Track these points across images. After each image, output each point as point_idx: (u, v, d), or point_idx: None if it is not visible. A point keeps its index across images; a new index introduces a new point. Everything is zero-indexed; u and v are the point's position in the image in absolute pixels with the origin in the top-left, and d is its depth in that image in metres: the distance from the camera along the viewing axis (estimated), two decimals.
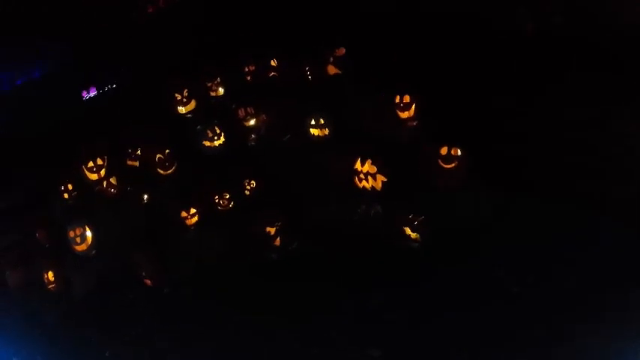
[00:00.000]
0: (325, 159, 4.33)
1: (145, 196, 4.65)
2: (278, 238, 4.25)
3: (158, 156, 4.66)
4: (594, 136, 3.80)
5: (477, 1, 4.23)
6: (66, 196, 4.95)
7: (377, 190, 4.14)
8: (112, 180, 4.70)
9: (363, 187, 4.18)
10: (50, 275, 4.85)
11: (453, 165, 4.04)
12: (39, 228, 5.02)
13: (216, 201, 4.46)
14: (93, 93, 5.30)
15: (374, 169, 4.12)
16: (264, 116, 4.59)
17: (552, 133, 3.83)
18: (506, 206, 3.87)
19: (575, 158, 3.77)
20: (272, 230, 4.23)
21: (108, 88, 5.19)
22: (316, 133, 4.38)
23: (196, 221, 4.45)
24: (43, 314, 4.82)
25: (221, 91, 5.01)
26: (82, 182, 4.89)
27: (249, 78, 4.96)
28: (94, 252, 4.74)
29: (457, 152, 4.02)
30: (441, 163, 4.06)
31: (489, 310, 3.60)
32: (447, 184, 4.05)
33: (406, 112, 4.30)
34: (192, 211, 4.43)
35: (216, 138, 4.67)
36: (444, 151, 4.05)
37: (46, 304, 4.83)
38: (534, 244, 3.69)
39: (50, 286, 4.85)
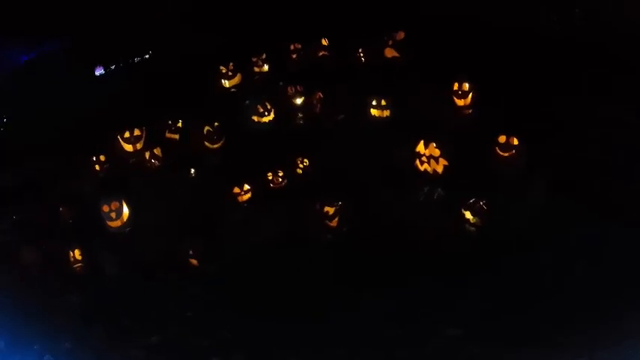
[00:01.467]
0: (385, 140, 4.34)
1: (192, 170, 4.41)
2: (336, 219, 4.20)
3: (206, 128, 4.46)
4: None
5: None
6: (97, 167, 4.62)
7: (437, 174, 4.21)
8: (157, 151, 4.43)
9: (424, 169, 4.23)
10: (77, 254, 4.48)
11: (510, 153, 4.19)
12: (62, 202, 4.64)
13: (269, 178, 4.34)
14: (100, 72, 4.99)
15: (437, 153, 4.17)
16: (320, 94, 4.51)
17: (612, 127, 4.06)
18: (561, 194, 4.06)
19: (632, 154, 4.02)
20: (331, 210, 4.17)
21: (140, 58, 4.89)
22: (377, 115, 4.38)
23: (249, 198, 4.29)
24: (69, 296, 4.43)
25: (266, 67, 4.91)
26: (115, 154, 4.60)
27: (294, 56, 4.89)
28: (128, 229, 4.44)
29: (514, 141, 4.17)
30: (499, 151, 4.21)
31: (549, 292, 3.75)
32: (504, 170, 4.20)
33: (463, 100, 4.41)
34: (246, 187, 4.27)
35: (266, 114, 4.54)
36: (502, 139, 4.17)
37: (71, 285, 4.45)
38: (590, 232, 3.87)
39: (76, 266, 4.49)
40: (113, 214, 4.38)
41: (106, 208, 4.39)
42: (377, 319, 3.81)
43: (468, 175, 4.19)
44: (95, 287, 4.41)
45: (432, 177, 4.21)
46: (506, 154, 4.18)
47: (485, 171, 4.20)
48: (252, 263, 4.20)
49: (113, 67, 4.80)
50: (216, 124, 4.47)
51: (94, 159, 4.62)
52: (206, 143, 4.47)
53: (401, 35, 4.52)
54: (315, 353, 3.76)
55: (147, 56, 4.85)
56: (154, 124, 4.65)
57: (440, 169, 4.20)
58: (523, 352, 3.49)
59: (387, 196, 4.24)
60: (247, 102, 4.59)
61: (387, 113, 4.36)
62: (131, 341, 3.99)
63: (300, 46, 4.86)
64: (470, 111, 4.38)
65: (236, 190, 4.27)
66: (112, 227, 4.44)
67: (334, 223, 4.22)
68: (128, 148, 4.60)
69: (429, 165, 4.21)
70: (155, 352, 3.90)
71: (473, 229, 4.13)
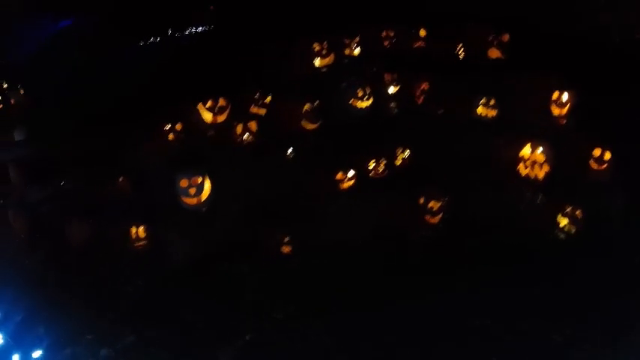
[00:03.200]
0: (487, 140, 4.27)
1: (290, 150, 4.03)
2: (439, 216, 4.05)
3: (306, 106, 4.11)
4: None
5: None
6: (171, 137, 4.07)
7: (538, 180, 4.22)
8: (251, 125, 4.00)
9: (527, 174, 4.22)
10: (141, 231, 3.91)
11: (604, 166, 4.30)
12: (121, 174, 4.03)
13: (371, 167, 4.09)
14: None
15: (542, 158, 4.18)
16: (426, 85, 4.34)
17: None
18: None
19: None
20: (436, 205, 4.01)
21: (228, 27, 4.42)
22: (482, 113, 4.31)
23: (351, 186, 4.01)
24: (130, 281, 3.83)
25: (357, 51, 4.65)
26: (195, 125, 4.10)
27: (386, 43, 4.70)
28: (204, 208, 3.96)
29: (608, 155, 4.28)
30: (593, 164, 4.30)
31: None
32: (596, 182, 4.30)
33: (559, 110, 4.47)
34: (351, 173, 3.98)
35: (365, 98, 4.30)
36: (597, 152, 4.29)
37: (132, 268, 3.87)
38: None
39: (138, 244, 3.92)
40: (192, 190, 3.87)
41: (184, 183, 3.87)
42: (474, 316, 3.70)
43: (564, 183, 4.26)
44: (164, 272, 3.86)
45: (533, 182, 4.22)
46: (599, 167, 4.32)
47: (579, 180, 4.30)
48: (346, 255, 3.91)
49: (198, 30, 4.26)
50: (316, 102, 4.14)
51: (169, 127, 4.08)
52: (304, 123, 4.12)
53: (506, 37, 4.50)
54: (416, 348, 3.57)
55: (236, 25, 4.36)
56: (239, 97, 4.20)
57: (541, 175, 4.21)
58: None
59: (487, 197, 4.17)
60: (345, 84, 4.30)
61: (492, 113, 4.31)
62: (214, 341, 3.50)
63: (392, 33, 4.67)
64: (565, 121, 4.46)
65: (340, 175, 3.97)
66: (187, 204, 3.93)
67: (436, 219, 4.07)
68: (208, 118, 4.12)
69: (532, 170, 4.21)
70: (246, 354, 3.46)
71: (563, 236, 4.19)
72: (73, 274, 3.96)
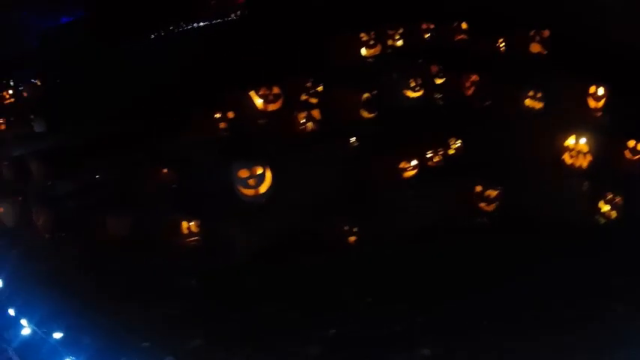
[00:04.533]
0: (533, 130, 4.36)
1: (353, 139, 3.94)
2: (494, 204, 4.09)
3: (365, 96, 4.05)
4: None
5: None
6: (222, 125, 3.88)
7: (582, 168, 4.36)
8: (315, 113, 3.88)
9: (572, 163, 4.35)
10: (193, 226, 3.69)
11: (638, 157, 4.51)
12: (164, 163, 3.81)
13: (429, 156, 4.08)
14: None
15: (586, 148, 4.33)
16: (475, 76, 4.39)
17: None
18: None
19: None
20: (493, 193, 4.05)
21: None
22: (530, 105, 4.41)
23: (413, 175, 3.97)
24: (186, 278, 3.58)
25: (400, 42, 4.66)
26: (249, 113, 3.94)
27: (426, 36, 4.74)
28: (263, 200, 3.79)
29: None
30: (628, 154, 4.51)
31: None
32: (631, 171, 4.51)
33: (595, 103, 4.66)
34: (414, 162, 3.94)
35: (417, 89, 4.29)
36: (631, 143, 4.49)
37: (187, 264, 3.63)
38: None
39: (190, 240, 3.69)
40: (252, 181, 3.70)
41: (244, 173, 3.69)
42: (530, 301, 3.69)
43: (603, 172, 4.43)
44: (223, 268, 3.64)
45: (577, 170, 4.36)
46: (634, 157, 4.53)
47: (616, 169, 4.48)
48: (410, 243, 3.85)
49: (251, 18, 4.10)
50: (374, 91, 4.09)
51: (220, 115, 3.89)
52: (362, 112, 4.05)
53: (546, 33, 4.65)
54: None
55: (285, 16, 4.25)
56: (292, 86, 4.09)
57: (585, 164, 4.36)
58: None
59: (536, 184, 4.26)
60: (396, 75, 4.28)
61: (539, 105, 4.42)
62: (299, 337, 3.26)
63: (432, 26, 4.72)
64: (600, 114, 4.65)
65: (404, 164, 3.93)
66: (245, 196, 3.75)
67: (491, 207, 4.11)
68: (261, 105, 3.97)
69: (577, 159, 4.36)
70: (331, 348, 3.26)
71: (604, 220, 4.35)
72: (120, 275, 3.68)
